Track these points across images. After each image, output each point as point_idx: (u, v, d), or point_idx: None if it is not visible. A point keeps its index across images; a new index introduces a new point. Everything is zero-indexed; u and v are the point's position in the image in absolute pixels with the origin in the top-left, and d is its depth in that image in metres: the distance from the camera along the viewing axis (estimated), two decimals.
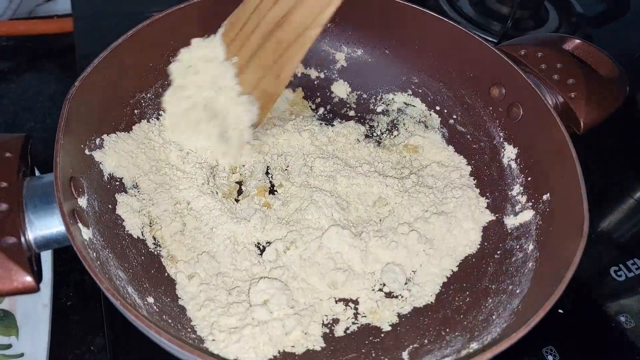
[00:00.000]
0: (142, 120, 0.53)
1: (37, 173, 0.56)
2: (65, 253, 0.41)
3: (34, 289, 0.34)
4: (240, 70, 0.50)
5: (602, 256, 0.59)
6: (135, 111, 0.53)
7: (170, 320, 0.42)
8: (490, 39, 0.77)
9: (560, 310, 0.53)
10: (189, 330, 0.42)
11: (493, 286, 0.46)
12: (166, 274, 0.46)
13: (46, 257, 0.53)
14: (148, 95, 0.54)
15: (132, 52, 0.51)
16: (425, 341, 0.43)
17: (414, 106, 0.62)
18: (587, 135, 0.55)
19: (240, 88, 0.50)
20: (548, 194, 0.48)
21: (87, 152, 0.46)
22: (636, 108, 0.68)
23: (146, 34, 0.51)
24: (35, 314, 0.50)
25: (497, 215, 0.52)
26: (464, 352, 0.40)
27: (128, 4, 0.79)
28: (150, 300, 0.42)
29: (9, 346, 0.48)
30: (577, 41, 0.57)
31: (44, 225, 0.38)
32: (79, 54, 0.71)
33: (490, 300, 0.45)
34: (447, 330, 0.44)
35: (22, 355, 0.48)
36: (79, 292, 0.56)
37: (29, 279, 0.34)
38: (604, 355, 0.51)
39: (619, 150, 0.69)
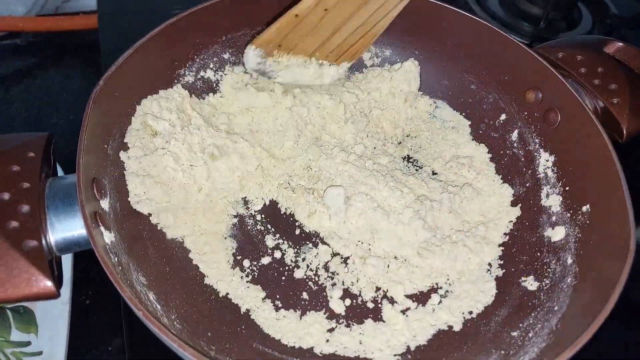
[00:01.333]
0: None
1: (59, 172, 0.56)
2: (84, 251, 0.41)
3: (55, 295, 0.33)
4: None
5: None
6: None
7: (189, 328, 0.41)
8: (520, 40, 0.74)
9: None
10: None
11: (529, 301, 0.44)
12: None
13: (66, 255, 0.53)
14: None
15: (155, 50, 0.50)
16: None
17: (442, 109, 0.60)
18: (630, 143, 0.52)
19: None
20: (588, 205, 0.45)
21: (109, 151, 0.45)
22: None
23: (170, 33, 0.50)
24: (54, 312, 0.50)
25: (531, 225, 0.50)
26: None
27: (152, 1, 0.79)
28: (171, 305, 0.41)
29: (28, 343, 0.48)
30: (620, 44, 0.54)
31: (65, 228, 0.37)
32: (103, 51, 0.71)
33: (524, 316, 0.43)
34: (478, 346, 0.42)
35: (40, 353, 0.47)
36: (98, 291, 0.56)
37: (49, 284, 0.33)
38: None
39: None
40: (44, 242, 0.35)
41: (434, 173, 0.55)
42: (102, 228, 0.39)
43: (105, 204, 0.41)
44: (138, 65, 0.48)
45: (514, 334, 0.42)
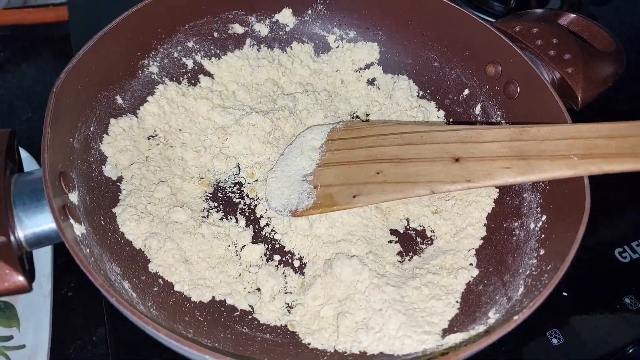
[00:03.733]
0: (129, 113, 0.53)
1: (35, 166, 0.57)
2: (64, 244, 0.42)
3: (26, 289, 0.34)
4: (323, 164, 0.51)
5: (606, 238, 0.58)
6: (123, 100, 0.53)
7: (166, 314, 0.42)
8: (492, 19, 0.74)
9: (564, 293, 0.52)
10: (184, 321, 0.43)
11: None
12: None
13: (46, 249, 0.54)
14: (134, 84, 0.54)
15: (117, 41, 0.50)
16: None
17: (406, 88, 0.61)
18: (585, 110, 0.53)
19: (312, 177, 0.51)
20: None
21: (75, 145, 0.45)
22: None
23: (130, 23, 0.50)
24: (36, 305, 0.51)
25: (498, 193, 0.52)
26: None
27: None
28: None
29: (10, 338, 0.49)
30: (573, 16, 0.55)
31: (34, 223, 0.38)
32: (75, 43, 0.70)
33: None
34: None
35: (23, 346, 0.48)
36: (79, 282, 0.56)
37: (20, 278, 0.34)
38: (609, 337, 0.51)
39: None
40: (12, 238, 0.36)
41: None
42: (72, 221, 0.39)
43: (74, 197, 0.42)
44: (100, 56, 0.48)
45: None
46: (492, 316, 0.42)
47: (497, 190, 0.52)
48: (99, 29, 0.48)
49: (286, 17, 0.61)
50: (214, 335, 0.42)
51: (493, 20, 0.73)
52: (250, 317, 0.45)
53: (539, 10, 0.58)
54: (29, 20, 0.81)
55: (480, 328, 0.41)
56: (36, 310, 0.51)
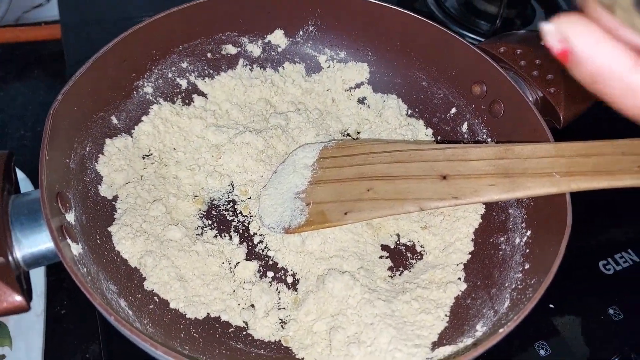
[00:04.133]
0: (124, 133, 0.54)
1: (29, 186, 0.57)
2: (57, 262, 0.42)
3: (25, 309, 0.34)
4: (315, 181, 0.52)
5: (591, 250, 0.60)
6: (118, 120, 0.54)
7: (162, 332, 0.43)
8: (479, 38, 0.77)
9: (551, 305, 0.54)
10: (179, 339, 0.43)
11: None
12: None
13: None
14: (129, 104, 0.55)
15: (112, 63, 0.51)
16: None
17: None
18: (567, 129, 0.55)
19: (305, 195, 0.52)
20: None
21: (72, 165, 0.46)
22: None
23: (125, 45, 0.51)
24: (28, 323, 0.51)
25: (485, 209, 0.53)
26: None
27: (116, 10, 0.79)
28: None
29: (2, 357, 0.49)
30: None
31: (32, 243, 0.38)
32: (68, 61, 0.71)
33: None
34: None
35: None
36: (72, 300, 0.57)
37: (18, 298, 0.35)
38: (595, 347, 0.52)
39: None
40: (10, 258, 0.36)
41: None
42: (69, 240, 0.40)
43: (70, 217, 0.43)
44: (96, 78, 0.49)
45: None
46: (480, 329, 0.43)
47: (484, 206, 0.53)
48: (93, 46, 0.49)
49: (278, 38, 0.63)
50: (209, 352, 0.43)
51: (480, 39, 0.76)
52: (244, 333, 0.46)
53: (523, 32, 0.61)
54: (21, 39, 0.82)
55: (469, 341, 0.42)
56: (29, 328, 0.51)
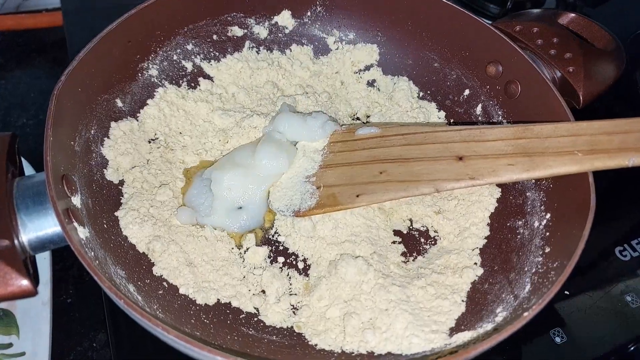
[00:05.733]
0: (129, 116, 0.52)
1: (31, 171, 0.56)
2: (62, 250, 0.41)
3: (32, 293, 0.33)
4: (325, 165, 0.51)
5: (607, 237, 0.58)
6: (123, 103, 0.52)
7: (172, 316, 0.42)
8: (488, 22, 0.75)
9: (566, 292, 0.53)
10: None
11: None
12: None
13: (44, 255, 0.53)
14: (134, 87, 0.53)
15: (117, 43, 0.50)
16: None
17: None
18: (586, 109, 0.54)
19: (315, 178, 0.51)
20: None
21: (77, 148, 0.45)
22: (636, 87, 0.67)
23: (129, 25, 0.50)
24: (35, 312, 0.50)
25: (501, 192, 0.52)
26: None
27: None
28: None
29: (9, 345, 0.48)
30: (572, 15, 0.56)
31: (37, 227, 0.37)
32: (70, 49, 0.70)
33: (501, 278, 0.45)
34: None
35: (23, 354, 0.48)
36: (78, 288, 0.56)
37: (25, 282, 0.33)
38: (611, 335, 0.51)
39: None
40: (16, 241, 0.35)
41: None
42: (75, 224, 0.39)
43: (76, 200, 0.42)
44: (100, 59, 0.48)
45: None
46: (500, 314, 0.42)
47: (500, 189, 0.52)
48: (94, 33, 0.48)
49: (285, 19, 0.61)
50: (221, 338, 0.42)
51: (489, 22, 0.74)
52: (255, 319, 0.45)
53: (538, 10, 0.59)
54: (22, 26, 0.81)
55: (489, 326, 0.41)
56: (35, 317, 0.50)
